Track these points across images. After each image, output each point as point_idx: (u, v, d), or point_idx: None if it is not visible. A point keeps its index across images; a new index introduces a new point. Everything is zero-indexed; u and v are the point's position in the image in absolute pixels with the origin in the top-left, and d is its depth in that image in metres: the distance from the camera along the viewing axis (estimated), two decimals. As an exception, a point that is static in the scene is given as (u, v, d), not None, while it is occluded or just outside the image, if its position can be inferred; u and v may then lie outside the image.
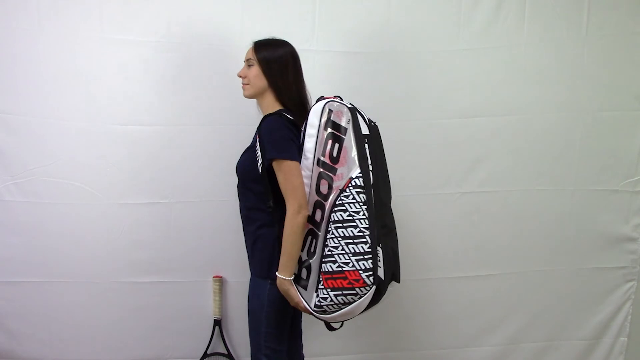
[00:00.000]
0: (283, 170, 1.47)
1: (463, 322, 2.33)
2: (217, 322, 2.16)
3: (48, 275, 2.08)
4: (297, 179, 1.46)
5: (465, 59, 2.13)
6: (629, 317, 2.38)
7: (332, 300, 1.41)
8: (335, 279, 1.40)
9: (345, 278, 1.39)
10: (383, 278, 1.43)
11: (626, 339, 2.40)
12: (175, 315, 2.17)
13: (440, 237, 2.25)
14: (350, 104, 1.49)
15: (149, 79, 2.02)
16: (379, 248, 1.42)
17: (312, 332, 1.92)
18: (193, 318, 2.18)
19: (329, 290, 1.41)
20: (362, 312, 1.48)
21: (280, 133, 1.50)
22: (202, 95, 2.05)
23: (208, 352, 2.17)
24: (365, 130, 1.47)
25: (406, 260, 2.24)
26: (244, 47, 1.65)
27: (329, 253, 1.41)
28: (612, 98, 2.22)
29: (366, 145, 1.45)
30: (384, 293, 1.46)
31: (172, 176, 2.07)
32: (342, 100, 1.50)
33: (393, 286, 1.54)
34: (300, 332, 1.82)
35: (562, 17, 2.15)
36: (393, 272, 1.50)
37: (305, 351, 1.84)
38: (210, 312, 2.16)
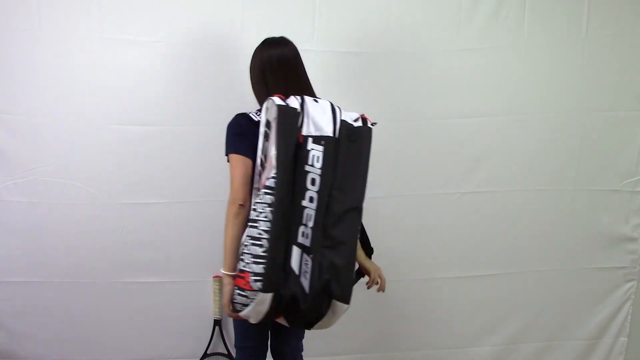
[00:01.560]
0: (229, 163, 1.49)
1: (463, 322, 2.33)
2: (217, 322, 2.16)
3: (48, 275, 2.08)
4: (235, 171, 1.46)
5: (465, 59, 2.13)
6: (629, 317, 2.38)
7: (235, 298, 1.40)
8: (239, 277, 1.38)
9: (242, 278, 1.37)
10: (307, 290, 1.36)
11: (626, 339, 2.40)
12: (175, 315, 2.16)
13: (440, 237, 2.25)
14: (293, 106, 1.39)
15: (149, 79, 2.02)
16: (309, 258, 1.36)
17: (311, 332, 1.91)
18: (193, 318, 2.18)
19: (235, 287, 1.39)
20: (314, 327, 1.47)
21: (231, 130, 1.52)
22: (202, 95, 2.05)
23: (208, 352, 2.17)
24: (318, 131, 1.38)
25: (406, 260, 2.26)
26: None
27: (242, 251, 1.40)
28: (612, 98, 2.22)
29: (313, 147, 1.36)
30: (309, 308, 1.39)
31: (172, 176, 2.07)
32: (301, 99, 1.42)
33: (336, 305, 1.42)
34: (296, 333, 1.78)
35: (562, 17, 2.15)
36: (330, 289, 1.38)
37: (304, 351, 1.84)
38: (210, 312, 2.17)
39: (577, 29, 2.16)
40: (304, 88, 1.55)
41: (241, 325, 1.64)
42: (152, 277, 2.12)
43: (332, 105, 1.46)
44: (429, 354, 2.34)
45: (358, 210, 1.43)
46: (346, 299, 1.40)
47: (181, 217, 2.09)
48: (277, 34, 1.65)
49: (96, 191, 2.04)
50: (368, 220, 2.19)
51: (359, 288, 2.22)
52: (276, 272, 1.35)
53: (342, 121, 1.42)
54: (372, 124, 1.47)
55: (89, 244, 2.07)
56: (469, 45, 2.13)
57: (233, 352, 2.21)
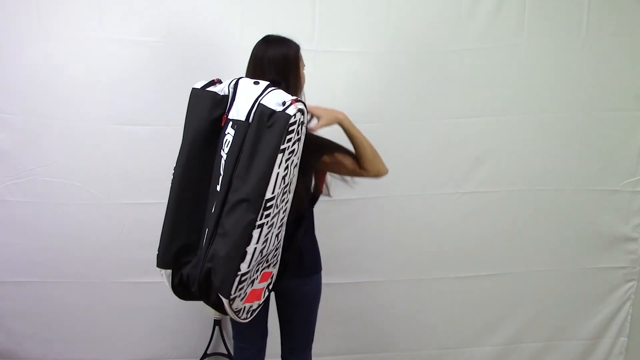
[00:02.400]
0: None
1: (463, 322, 2.33)
2: (217, 322, 2.16)
3: (48, 275, 2.08)
4: None
5: (465, 59, 2.13)
6: (629, 317, 2.38)
7: None
8: None
9: None
10: (197, 277, 1.35)
11: (626, 339, 2.40)
12: (175, 315, 2.17)
13: (440, 237, 2.25)
14: (214, 89, 1.39)
15: (148, 79, 2.02)
16: (202, 245, 1.38)
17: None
18: (193, 318, 2.18)
19: None
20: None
21: None
22: (202, 95, 2.05)
23: (208, 352, 2.17)
24: (237, 115, 1.34)
25: (406, 260, 2.26)
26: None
27: None
28: (612, 98, 2.22)
29: (228, 132, 1.34)
30: (197, 292, 1.37)
31: (172, 176, 2.06)
32: (235, 82, 1.39)
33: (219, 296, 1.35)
34: (298, 344, 1.76)
35: (562, 17, 2.15)
36: (210, 278, 1.33)
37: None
38: (210, 312, 2.16)
39: (577, 29, 2.16)
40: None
41: (233, 323, 1.72)
42: (152, 277, 2.11)
43: (265, 88, 1.36)
44: (429, 354, 2.34)
45: (249, 202, 1.28)
46: (223, 292, 1.31)
47: (181, 217, 2.09)
48: (277, 34, 1.65)
49: (96, 191, 2.04)
50: (368, 220, 2.21)
51: (358, 289, 2.24)
52: (169, 250, 1.38)
53: (260, 105, 1.31)
54: (298, 110, 1.29)
55: (89, 244, 2.07)
56: (469, 45, 2.13)
57: (233, 352, 2.21)
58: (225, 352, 2.18)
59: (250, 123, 1.31)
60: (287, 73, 1.52)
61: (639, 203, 2.30)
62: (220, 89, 1.38)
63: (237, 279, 1.30)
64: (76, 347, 2.15)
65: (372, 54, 2.11)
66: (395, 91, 2.14)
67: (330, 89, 2.02)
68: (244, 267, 1.30)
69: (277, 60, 1.51)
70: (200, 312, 2.17)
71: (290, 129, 1.28)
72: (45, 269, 2.07)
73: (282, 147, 1.27)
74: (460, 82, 2.15)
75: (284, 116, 1.28)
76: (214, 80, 1.40)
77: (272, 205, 1.30)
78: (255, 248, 1.31)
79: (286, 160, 1.29)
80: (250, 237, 1.29)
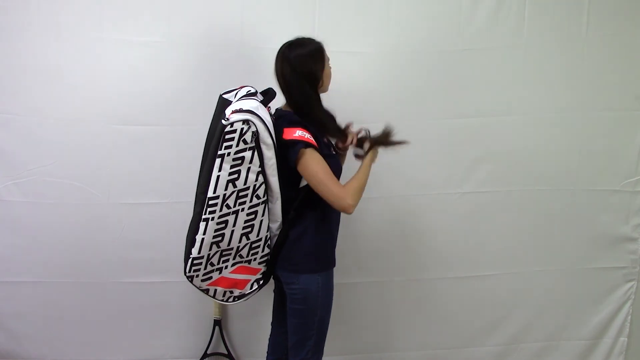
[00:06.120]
0: None
1: (463, 322, 2.33)
2: (217, 322, 2.16)
3: (48, 275, 2.08)
4: None
5: (465, 59, 2.13)
6: (629, 317, 2.38)
7: None
8: None
9: None
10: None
11: (626, 339, 2.40)
12: (175, 315, 2.17)
13: (440, 237, 2.25)
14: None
15: (148, 79, 2.02)
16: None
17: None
18: (193, 318, 2.18)
19: None
20: None
21: None
22: (202, 94, 2.04)
23: (208, 352, 2.17)
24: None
25: (406, 260, 2.26)
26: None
27: None
28: (612, 98, 2.22)
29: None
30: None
31: (172, 176, 2.07)
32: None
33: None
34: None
35: (562, 17, 2.15)
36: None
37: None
38: (210, 312, 2.17)
39: (577, 29, 2.16)
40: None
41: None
42: (152, 277, 2.12)
43: (239, 98, 1.56)
44: (429, 354, 2.34)
45: (197, 198, 1.50)
46: (184, 269, 1.55)
47: (181, 217, 2.07)
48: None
49: (96, 191, 2.04)
50: (368, 220, 2.21)
51: (358, 289, 2.24)
52: None
53: (223, 114, 1.47)
54: (238, 121, 1.42)
55: (88, 244, 2.07)
56: (469, 45, 2.13)
57: (233, 352, 2.21)
58: (225, 352, 2.18)
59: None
60: (287, 81, 1.63)
61: (639, 203, 2.30)
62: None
63: (190, 261, 1.51)
64: (76, 347, 2.15)
65: (372, 54, 2.11)
66: (396, 91, 2.14)
67: (330, 89, 2.02)
68: (194, 252, 1.49)
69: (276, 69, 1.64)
70: (200, 312, 2.18)
71: (227, 137, 1.41)
72: (45, 269, 2.07)
73: (220, 152, 1.41)
74: (460, 82, 2.15)
75: (221, 125, 1.42)
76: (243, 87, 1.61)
77: (215, 203, 1.44)
78: (203, 239, 1.47)
79: (232, 166, 1.43)
80: (198, 227, 1.47)
